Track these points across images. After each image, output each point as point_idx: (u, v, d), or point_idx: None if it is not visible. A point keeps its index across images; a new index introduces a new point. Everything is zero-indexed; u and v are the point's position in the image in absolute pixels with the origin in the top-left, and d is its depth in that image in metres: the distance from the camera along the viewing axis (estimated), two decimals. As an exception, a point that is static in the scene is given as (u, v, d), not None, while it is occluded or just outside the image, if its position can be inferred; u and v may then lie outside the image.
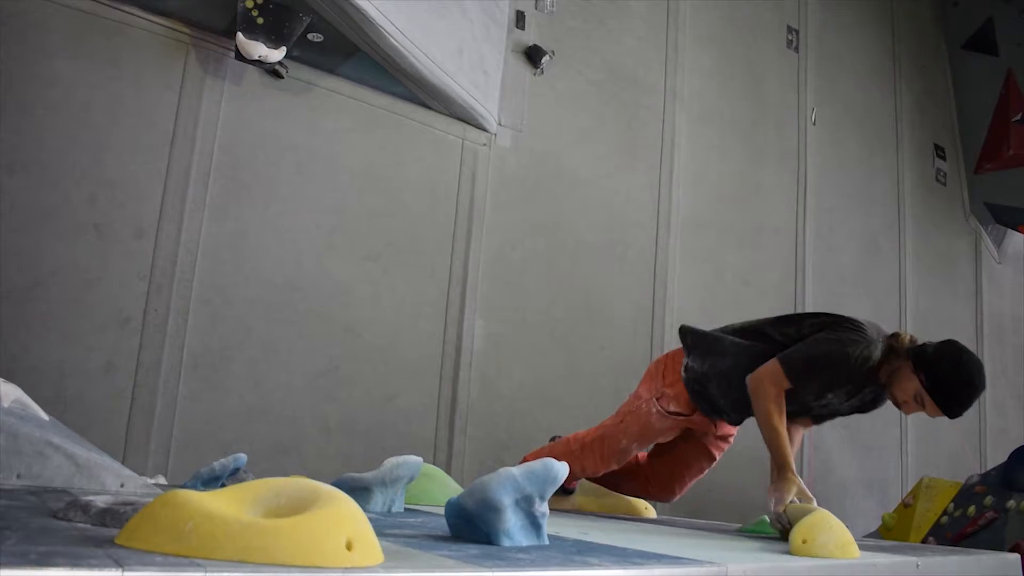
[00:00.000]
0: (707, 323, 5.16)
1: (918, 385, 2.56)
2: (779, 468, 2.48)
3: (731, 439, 3.17)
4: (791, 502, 2.34)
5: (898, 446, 6.24)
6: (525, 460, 3.30)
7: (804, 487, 2.39)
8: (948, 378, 2.54)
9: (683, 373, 2.92)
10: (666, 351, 5.00)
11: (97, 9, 3.46)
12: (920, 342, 2.64)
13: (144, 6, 3.55)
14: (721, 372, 2.83)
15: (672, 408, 2.93)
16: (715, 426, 3.07)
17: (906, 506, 4.66)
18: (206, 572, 0.87)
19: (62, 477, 1.70)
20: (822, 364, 2.60)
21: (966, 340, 6.89)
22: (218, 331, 3.60)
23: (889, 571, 1.80)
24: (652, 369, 3.11)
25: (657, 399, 2.95)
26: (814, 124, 6.18)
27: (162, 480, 2.57)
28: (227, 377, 3.60)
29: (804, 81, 6.21)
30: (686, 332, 3.04)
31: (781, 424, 2.55)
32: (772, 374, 2.61)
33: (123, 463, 2.09)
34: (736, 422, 3.03)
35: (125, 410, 3.35)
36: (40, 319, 3.20)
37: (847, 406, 2.82)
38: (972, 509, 4.25)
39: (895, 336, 2.66)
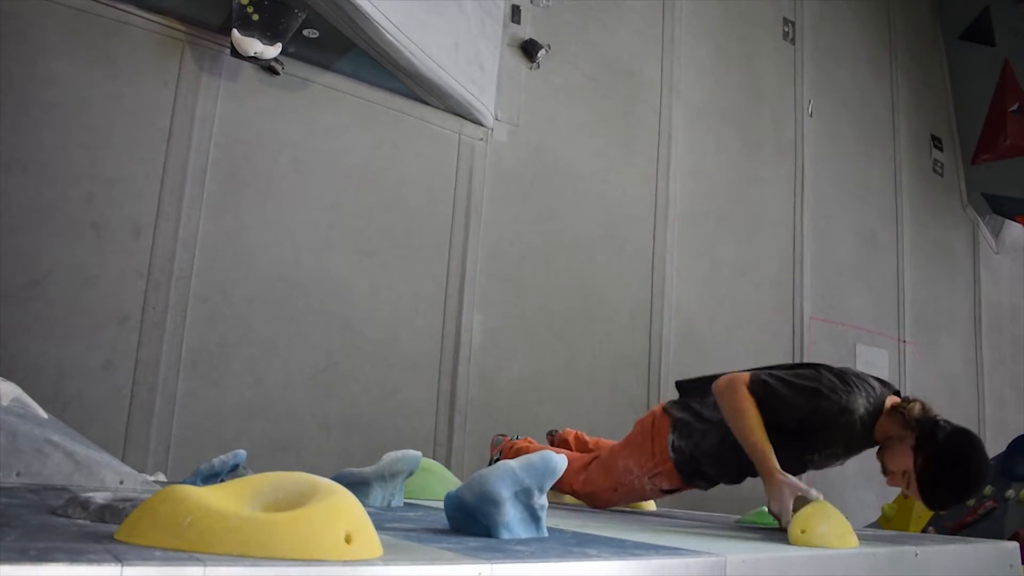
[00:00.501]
0: (705, 317, 5.20)
1: (911, 464, 2.31)
2: (765, 476, 2.27)
3: None
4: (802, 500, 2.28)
5: (897, 437, 6.24)
6: (502, 446, 3.24)
7: (798, 483, 2.19)
8: (944, 476, 2.28)
9: (672, 454, 2.71)
10: (664, 343, 5.06)
11: (93, 8, 3.45)
12: (933, 415, 2.36)
13: (139, 4, 3.54)
14: (709, 452, 2.64)
15: (666, 486, 2.79)
16: None
17: (906, 497, 4.66)
18: (205, 566, 0.87)
19: (61, 475, 1.71)
20: (792, 393, 2.36)
21: (964, 330, 7.01)
22: (217, 328, 3.60)
23: (888, 560, 1.80)
24: (639, 435, 2.85)
25: (650, 477, 2.77)
26: (811, 116, 6.18)
27: (162, 477, 2.57)
28: (226, 374, 3.60)
29: (800, 73, 6.21)
30: (673, 409, 2.80)
31: (756, 424, 2.33)
32: (741, 379, 2.41)
33: (123, 461, 2.09)
34: (735, 483, 2.84)
35: (124, 408, 3.35)
36: (39, 318, 3.21)
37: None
38: (971, 499, 4.26)
39: (903, 404, 2.40)
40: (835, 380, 2.37)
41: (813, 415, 2.36)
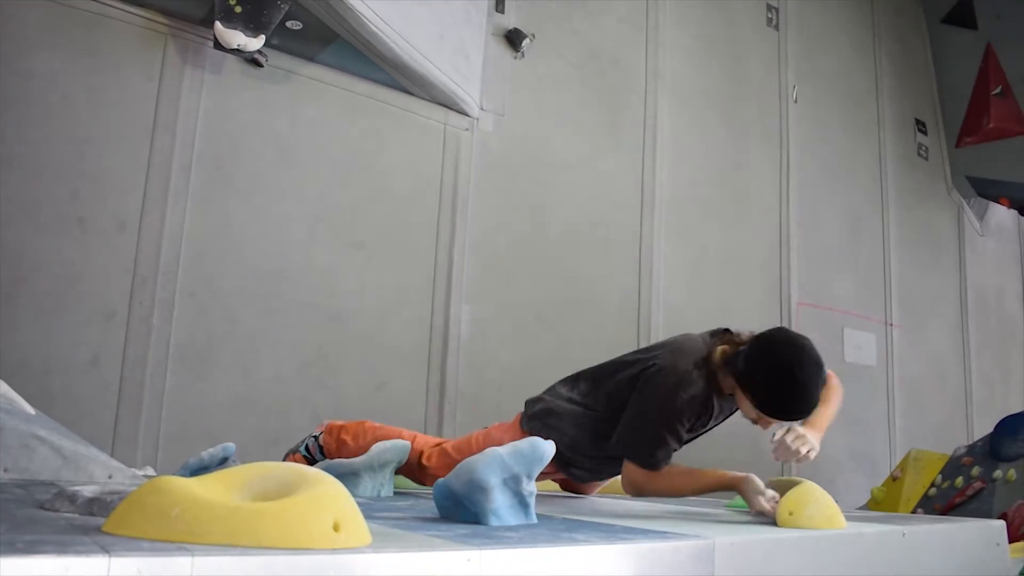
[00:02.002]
0: (693, 304, 5.21)
1: (750, 406, 2.23)
2: (729, 487, 2.18)
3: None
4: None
5: (886, 419, 6.29)
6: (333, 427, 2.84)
7: (757, 481, 2.10)
8: (767, 386, 2.18)
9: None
10: (652, 331, 5.07)
11: (75, 1, 3.42)
12: (732, 352, 2.28)
13: (120, -3, 3.52)
14: (571, 446, 2.53)
15: None
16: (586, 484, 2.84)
17: (895, 479, 4.71)
18: (193, 556, 0.87)
19: (49, 470, 1.70)
20: (676, 434, 2.28)
21: (951, 313, 7.06)
22: (204, 322, 3.59)
23: (875, 541, 1.81)
24: (516, 422, 2.73)
25: None
26: (795, 102, 6.19)
27: (151, 472, 2.57)
28: (214, 368, 3.59)
29: (785, 59, 6.21)
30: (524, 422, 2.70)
31: (688, 477, 2.27)
32: (640, 474, 2.30)
33: (112, 456, 2.09)
34: (602, 477, 2.76)
35: (113, 404, 3.34)
36: (24, 314, 3.19)
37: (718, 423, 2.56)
38: (960, 480, 4.30)
39: (711, 352, 2.33)
40: (665, 381, 2.31)
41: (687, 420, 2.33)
